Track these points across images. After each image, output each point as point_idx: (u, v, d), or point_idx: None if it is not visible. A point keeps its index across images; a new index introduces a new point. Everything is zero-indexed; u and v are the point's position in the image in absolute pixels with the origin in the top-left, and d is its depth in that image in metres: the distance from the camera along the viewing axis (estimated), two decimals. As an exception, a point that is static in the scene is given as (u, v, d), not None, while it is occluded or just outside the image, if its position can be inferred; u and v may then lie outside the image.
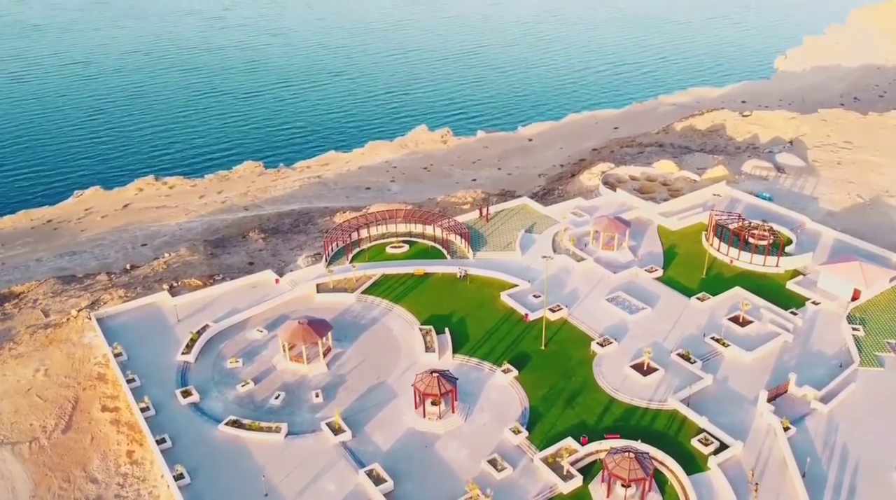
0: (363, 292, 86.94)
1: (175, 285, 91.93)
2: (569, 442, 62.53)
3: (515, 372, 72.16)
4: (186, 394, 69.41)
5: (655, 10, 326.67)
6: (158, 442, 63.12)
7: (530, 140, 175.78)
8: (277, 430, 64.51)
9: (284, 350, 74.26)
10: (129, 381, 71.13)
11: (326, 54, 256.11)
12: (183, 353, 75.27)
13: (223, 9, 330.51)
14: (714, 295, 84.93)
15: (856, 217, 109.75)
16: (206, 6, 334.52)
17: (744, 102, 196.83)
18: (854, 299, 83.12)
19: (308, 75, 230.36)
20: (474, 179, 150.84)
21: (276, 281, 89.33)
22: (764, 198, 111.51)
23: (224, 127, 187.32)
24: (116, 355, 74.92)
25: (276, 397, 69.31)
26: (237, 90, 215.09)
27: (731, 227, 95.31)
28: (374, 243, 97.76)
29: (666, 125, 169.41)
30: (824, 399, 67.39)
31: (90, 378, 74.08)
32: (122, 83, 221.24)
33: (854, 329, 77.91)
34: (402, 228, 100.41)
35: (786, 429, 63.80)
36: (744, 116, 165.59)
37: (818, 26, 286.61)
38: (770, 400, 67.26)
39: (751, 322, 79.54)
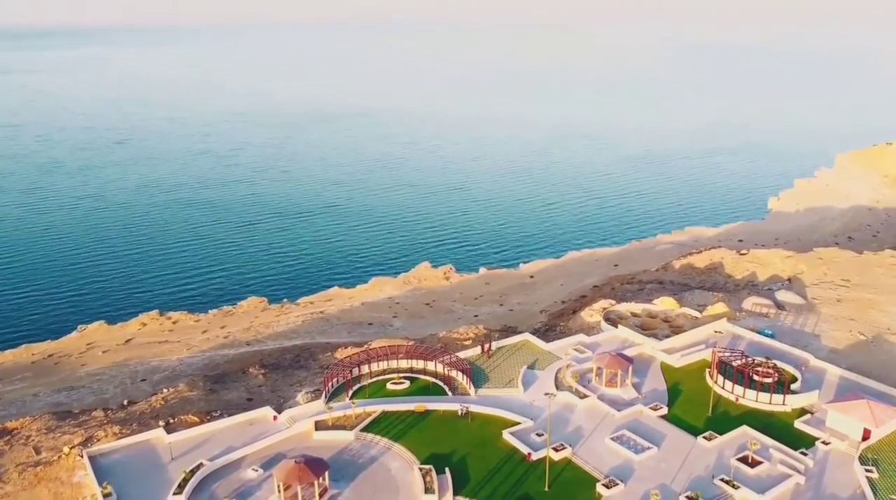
0: (362, 430, 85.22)
1: (171, 421, 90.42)
2: None
3: (518, 515, 69.43)
4: (175, 538, 66.54)
5: (640, 153, 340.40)
6: None
7: (531, 277, 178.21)
8: (268, 578, 61.32)
9: (279, 491, 71.82)
10: (116, 523, 68.43)
11: (330, 191, 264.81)
12: (175, 493, 72.72)
13: (233, 148, 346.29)
14: (721, 434, 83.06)
15: (859, 355, 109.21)
16: (217, 146, 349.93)
17: (740, 240, 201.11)
18: (865, 438, 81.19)
19: (312, 213, 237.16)
20: (476, 316, 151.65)
21: (275, 418, 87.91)
22: (766, 335, 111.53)
23: (229, 263, 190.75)
24: (106, 496, 72.39)
25: (269, 542, 66.38)
26: (243, 227, 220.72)
27: (734, 364, 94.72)
28: (374, 379, 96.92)
29: (665, 263, 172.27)
30: (843, 547, 64.32)
31: (76, 520, 71.33)
32: (131, 218, 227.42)
33: (867, 471, 75.57)
34: (404, 363, 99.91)
35: (804, 580, 60.51)
36: (741, 254, 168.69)
37: (808, 169, 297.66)
38: (786, 547, 64.17)
39: (760, 463, 77.30)
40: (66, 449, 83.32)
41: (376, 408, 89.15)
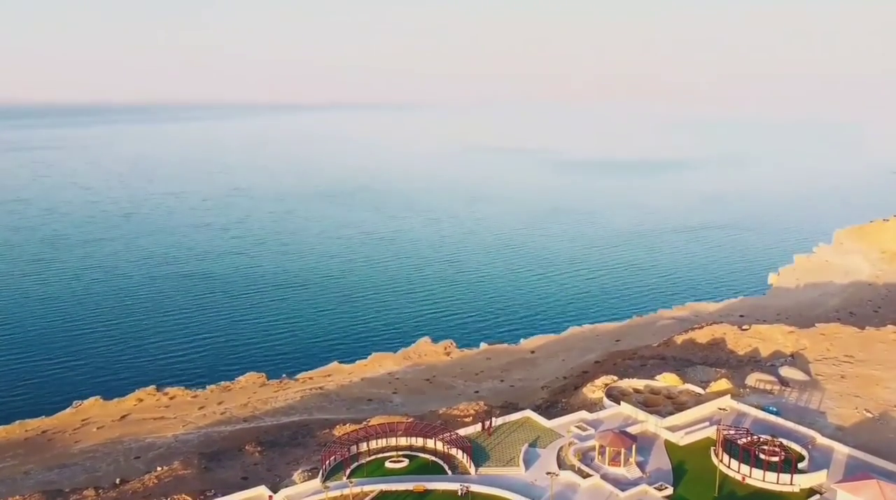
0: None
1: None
2: None
3: None
4: None
5: (638, 228, 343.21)
6: None
7: (532, 352, 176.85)
8: None
9: (273, 575, 69.53)
10: None
11: (328, 265, 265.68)
12: (165, 577, 70.50)
13: (233, 221, 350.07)
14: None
15: (866, 433, 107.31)
16: (218, 220, 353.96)
17: (742, 315, 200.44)
18: (876, 521, 78.87)
19: (311, 286, 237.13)
20: (477, 392, 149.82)
21: (270, 498, 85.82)
22: (771, 412, 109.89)
23: (228, 337, 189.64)
24: (93, 580, 70.10)
25: None
26: (242, 300, 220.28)
27: (740, 442, 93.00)
28: (373, 457, 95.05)
29: (667, 338, 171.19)
30: None
31: None
32: (130, 291, 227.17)
33: (881, 555, 73.20)
34: (403, 441, 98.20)
35: None
36: (743, 329, 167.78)
37: (806, 245, 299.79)
38: None
39: (770, 546, 75.00)
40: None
41: (374, 487, 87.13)
